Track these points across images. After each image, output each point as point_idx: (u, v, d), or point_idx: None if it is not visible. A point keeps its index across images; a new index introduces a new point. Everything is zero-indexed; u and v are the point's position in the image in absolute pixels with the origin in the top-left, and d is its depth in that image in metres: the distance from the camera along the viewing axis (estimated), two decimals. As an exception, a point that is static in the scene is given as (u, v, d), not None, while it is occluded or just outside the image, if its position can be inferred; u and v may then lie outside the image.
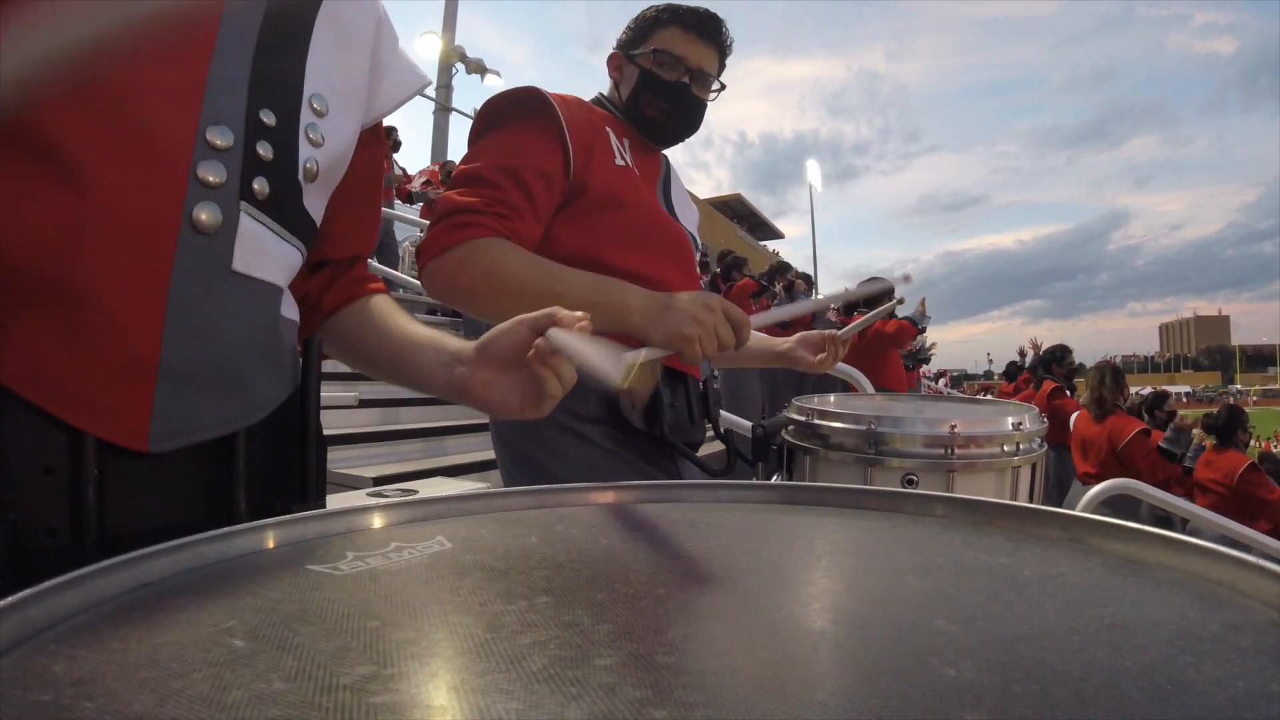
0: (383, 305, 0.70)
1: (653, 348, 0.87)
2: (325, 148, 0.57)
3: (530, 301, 0.95)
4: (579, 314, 0.54)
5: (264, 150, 0.52)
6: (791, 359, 1.35)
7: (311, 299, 0.68)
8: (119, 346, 0.46)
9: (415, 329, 0.66)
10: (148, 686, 0.24)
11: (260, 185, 0.52)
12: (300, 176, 0.55)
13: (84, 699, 0.23)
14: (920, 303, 4.38)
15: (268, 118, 0.52)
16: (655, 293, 0.97)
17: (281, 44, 0.54)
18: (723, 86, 1.19)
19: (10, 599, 0.29)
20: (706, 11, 1.13)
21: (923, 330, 4.35)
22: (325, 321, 0.69)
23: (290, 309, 0.60)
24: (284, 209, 0.54)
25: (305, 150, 0.55)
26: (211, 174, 0.49)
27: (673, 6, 1.13)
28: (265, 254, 0.53)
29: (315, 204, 0.59)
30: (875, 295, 1.37)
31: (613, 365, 0.50)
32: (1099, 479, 3.81)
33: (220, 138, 0.49)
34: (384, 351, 0.67)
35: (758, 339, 1.39)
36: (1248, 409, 4.33)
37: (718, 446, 1.27)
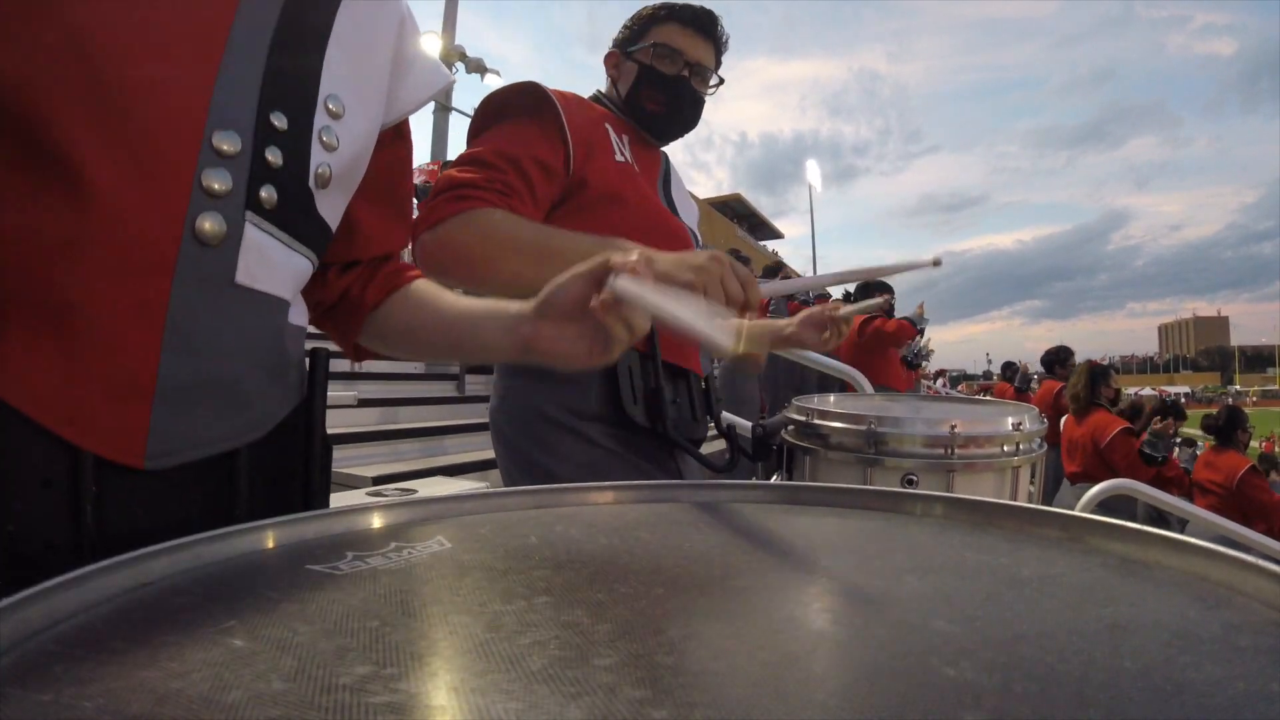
0: (427, 288, 0.69)
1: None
2: (339, 151, 0.55)
3: (529, 259, 0.93)
4: (632, 258, 0.52)
5: (273, 156, 0.50)
6: (797, 340, 1.33)
7: (352, 296, 0.67)
8: (115, 362, 0.45)
9: (469, 303, 0.66)
10: (148, 686, 0.24)
11: (268, 193, 0.50)
12: (312, 183, 0.53)
13: (84, 699, 0.23)
14: (919, 306, 4.39)
15: (279, 121, 0.50)
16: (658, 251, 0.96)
17: (299, 40, 0.52)
18: (721, 81, 1.21)
19: (10, 599, 0.29)
20: (702, 8, 1.16)
21: (921, 331, 4.36)
22: (370, 316, 0.68)
23: (299, 316, 0.58)
24: (293, 217, 0.52)
25: (318, 155, 0.53)
26: (216, 182, 0.47)
27: (669, 3, 1.16)
28: (271, 265, 0.51)
29: (330, 209, 0.57)
30: (890, 274, 1.25)
31: (708, 324, 0.48)
32: (1083, 478, 3.82)
33: (227, 143, 0.47)
34: (442, 330, 0.66)
35: (760, 322, 1.38)
36: (1247, 410, 4.34)
37: (718, 445, 1.27)
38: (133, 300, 0.45)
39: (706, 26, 1.15)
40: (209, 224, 0.47)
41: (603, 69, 1.24)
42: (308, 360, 0.61)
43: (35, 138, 0.42)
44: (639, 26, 1.17)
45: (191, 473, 0.49)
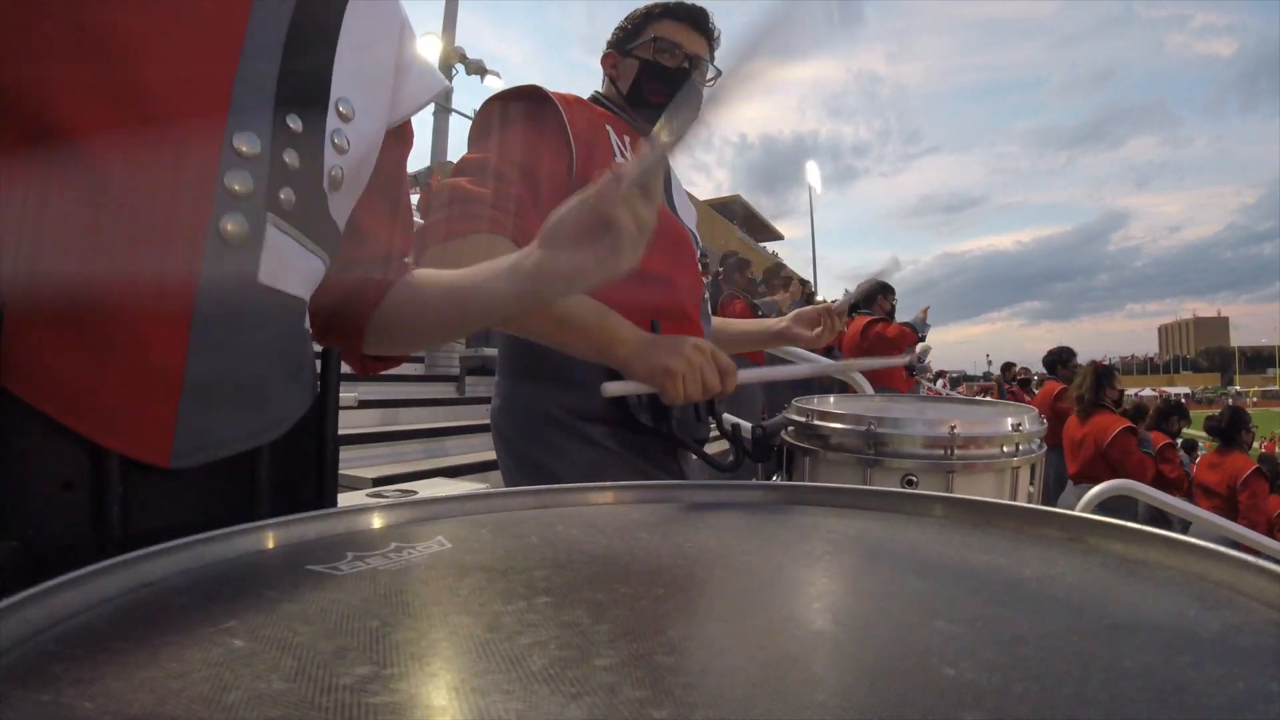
0: (424, 272, 0.68)
1: (636, 381, 0.88)
2: (350, 154, 0.55)
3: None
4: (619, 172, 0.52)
5: (290, 158, 0.50)
6: (789, 337, 1.34)
7: (355, 297, 0.66)
8: (142, 361, 0.45)
9: (466, 269, 0.64)
10: (148, 686, 0.24)
11: (287, 194, 0.50)
12: (325, 185, 0.54)
13: (84, 699, 0.23)
14: (922, 310, 4.39)
15: (294, 124, 0.51)
16: (645, 332, 0.98)
17: (310, 41, 0.53)
18: (718, 73, 1.23)
19: (10, 599, 0.29)
20: (694, 4, 1.20)
21: (923, 337, 4.36)
22: (375, 312, 0.67)
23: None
24: (310, 219, 0.53)
25: (330, 158, 0.54)
26: (238, 183, 0.47)
27: (663, 1, 1.19)
28: (291, 266, 0.52)
29: (339, 211, 0.58)
30: (869, 293, 1.32)
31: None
32: (1085, 478, 3.82)
33: (247, 145, 0.48)
34: (449, 301, 0.65)
35: (752, 322, 1.38)
36: (1247, 410, 4.35)
37: (719, 445, 1.27)
38: (159, 298, 0.45)
39: (700, 21, 1.19)
40: (231, 224, 0.47)
41: (601, 71, 1.25)
42: (318, 362, 0.61)
43: (59, 138, 0.42)
44: (635, 25, 1.20)
45: (214, 472, 0.50)
